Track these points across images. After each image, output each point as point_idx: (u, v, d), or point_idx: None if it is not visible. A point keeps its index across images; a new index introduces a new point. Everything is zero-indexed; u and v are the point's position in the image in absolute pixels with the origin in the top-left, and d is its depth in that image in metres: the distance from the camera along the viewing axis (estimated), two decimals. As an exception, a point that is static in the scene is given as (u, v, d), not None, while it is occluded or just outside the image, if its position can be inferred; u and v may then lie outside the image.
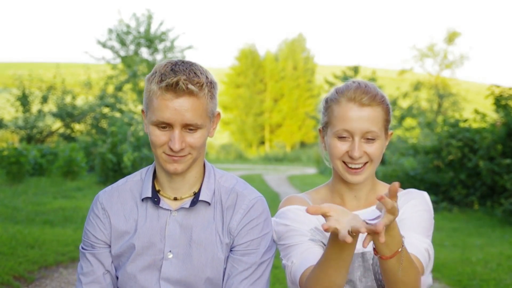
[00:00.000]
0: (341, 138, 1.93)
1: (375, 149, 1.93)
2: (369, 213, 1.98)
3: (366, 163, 1.93)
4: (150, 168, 2.05)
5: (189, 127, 1.85)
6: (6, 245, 6.51)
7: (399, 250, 1.60)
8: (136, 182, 2.03)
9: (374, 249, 1.64)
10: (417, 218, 1.90)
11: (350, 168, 1.93)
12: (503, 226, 10.16)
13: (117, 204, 2.01)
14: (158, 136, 1.86)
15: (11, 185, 13.15)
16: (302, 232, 1.92)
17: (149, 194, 1.96)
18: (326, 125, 2.01)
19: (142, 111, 1.97)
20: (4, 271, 5.57)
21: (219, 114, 2.00)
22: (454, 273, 6.39)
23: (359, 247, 1.90)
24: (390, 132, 2.04)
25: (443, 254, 7.25)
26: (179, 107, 1.81)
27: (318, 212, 1.52)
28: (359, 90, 1.93)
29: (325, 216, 1.53)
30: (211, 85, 1.89)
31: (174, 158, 1.86)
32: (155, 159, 1.98)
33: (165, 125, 1.84)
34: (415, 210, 1.93)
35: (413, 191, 2.00)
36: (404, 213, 1.91)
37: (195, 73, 1.84)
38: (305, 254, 1.86)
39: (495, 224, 10.40)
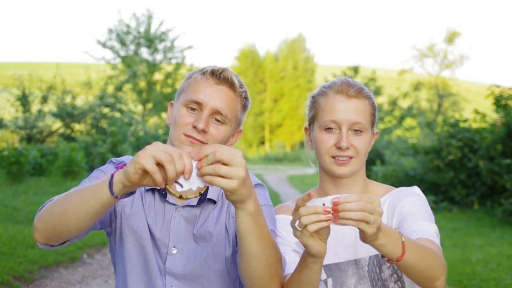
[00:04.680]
0: (328, 130, 1.92)
1: (362, 142, 1.92)
2: None
3: (351, 157, 1.92)
4: None
5: (217, 117, 1.87)
6: (6, 245, 6.51)
7: (403, 240, 1.54)
8: None
9: (387, 260, 1.57)
10: (417, 208, 1.89)
11: (338, 160, 1.92)
12: (503, 226, 10.16)
13: None
14: (184, 116, 1.87)
15: (11, 185, 13.15)
16: (288, 242, 1.93)
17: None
18: (312, 120, 2.00)
19: (171, 104, 1.99)
20: (4, 271, 5.58)
21: (241, 131, 2.04)
22: (454, 273, 6.40)
23: (352, 254, 1.91)
24: (375, 131, 2.04)
25: (443, 254, 7.26)
26: (216, 93, 1.87)
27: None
28: (345, 83, 1.95)
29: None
30: (247, 97, 1.98)
31: (192, 140, 1.85)
32: None
33: (195, 107, 1.87)
34: (412, 201, 1.92)
35: (403, 190, 1.99)
36: (403, 209, 1.90)
37: (239, 77, 1.97)
38: (287, 262, 1.87)
39: (495, 224, 10.41)
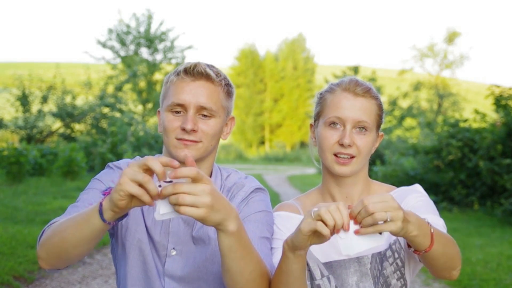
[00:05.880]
0: (332, 126, 1.92)
1: (365, 141, 1.92)
2: None
3: (353, 157, 1.91)
4: None
5: (203, 113, 1.86)
6: (6, 245, 6.51)
7: (432, 231, 1.56)
8: None
9: (413, 251, 1.59)
10: (422, 203, 1.90)
11: (339, 159, 1.92)
12: (503, 226, 10.16)
13: None
14: (171, 120, 1.86)
15: (11, 185, 13.15)
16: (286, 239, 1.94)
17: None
18: (318, 116, 2.01)
19: (158, 111, 1.98)
20: (4, 271, 5.58)
21: (233, 118, 2.02)
22: (454, 273, 6.39)
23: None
24: (381, 133, 2.04)
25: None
26: (195, 89, 1.86)
27: None
28: (354, 82, 1.96)
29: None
30: (228, 83, 1.95)
31: (185, 142, 1.84)
32: (164, 153, 1.95)
33: (180, 109, 1.86)
34: (416, 197, 1.93)
35: (406, 189, 1.99)
36: (407, 205, 1.90)
37: (214, 66, 1.95)
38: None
39: (495, 224, 10.41)
